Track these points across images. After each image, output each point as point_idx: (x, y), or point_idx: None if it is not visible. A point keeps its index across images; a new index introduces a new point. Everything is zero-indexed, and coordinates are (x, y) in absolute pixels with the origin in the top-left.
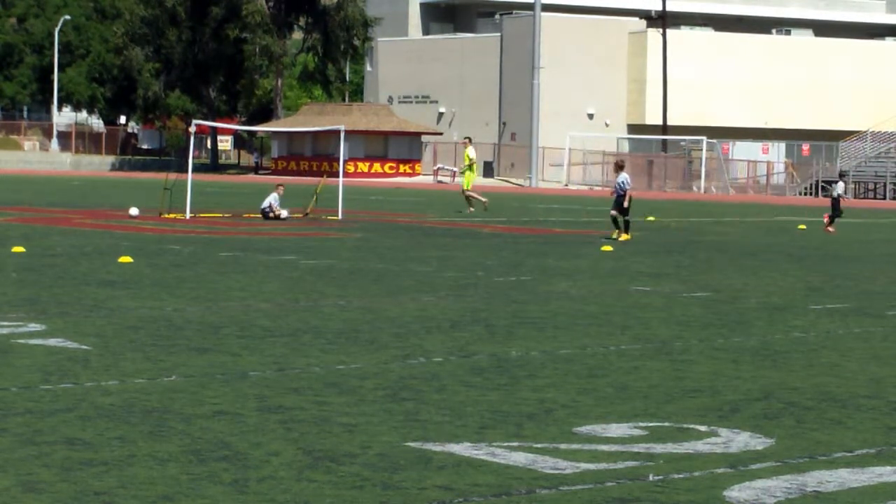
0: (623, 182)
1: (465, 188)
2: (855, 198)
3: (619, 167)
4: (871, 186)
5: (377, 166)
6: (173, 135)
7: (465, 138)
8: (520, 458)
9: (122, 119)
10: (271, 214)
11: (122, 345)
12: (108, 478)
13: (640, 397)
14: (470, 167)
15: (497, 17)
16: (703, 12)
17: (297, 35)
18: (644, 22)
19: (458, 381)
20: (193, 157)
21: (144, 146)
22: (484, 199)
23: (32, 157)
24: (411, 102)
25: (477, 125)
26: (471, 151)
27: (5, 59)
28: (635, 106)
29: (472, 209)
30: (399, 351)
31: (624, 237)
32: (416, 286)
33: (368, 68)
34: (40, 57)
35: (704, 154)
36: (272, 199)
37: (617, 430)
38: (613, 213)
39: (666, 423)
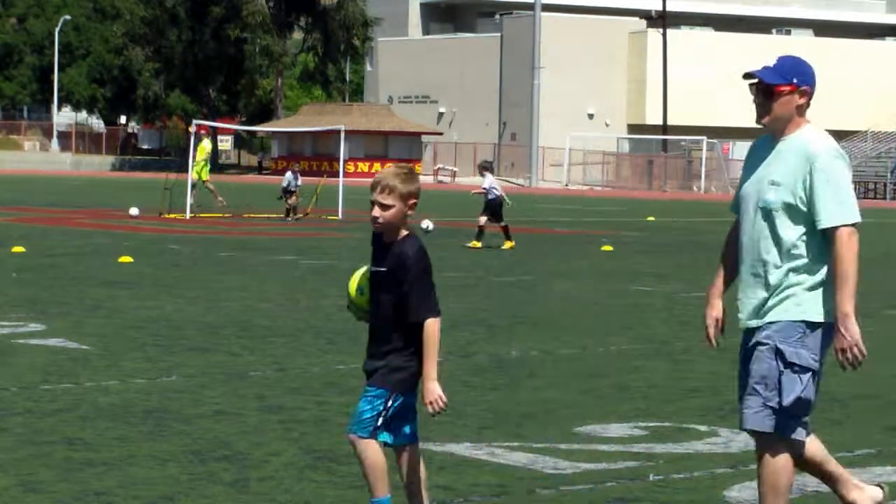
0: (492, 187)
1: (205, 179)
2: None
3: (484, 169)
4: (871, 186)
5: (377, 166)
6: (173, 135)
7: (203, 130)
8: (520, 458)
9: (123, 119)
10: (288, 194)
11: (122, 345)
12: (108, 478)
13: (640, 397)
14: (206, 161)
15: (497, 17)
16: (703, 12)
17: (297, 35)
18: (644, 22)
19: (458, 381)
20: (194, 158)
21: (144, 146)
22: (190, 204)
23: (32, 157)
24: (411, 102)
25: (477, 125)
26: (206, 143)
27: (5, 59)
28: (635, 106)
29: (221, 199)
30: None
31: (508, 244)
32: None
33: (368, 68)
34: (40, 57)
35: (704, 154)
36: (290, 179)
37: (617, 430)
38: (482, 220)
39: (666, 423)
